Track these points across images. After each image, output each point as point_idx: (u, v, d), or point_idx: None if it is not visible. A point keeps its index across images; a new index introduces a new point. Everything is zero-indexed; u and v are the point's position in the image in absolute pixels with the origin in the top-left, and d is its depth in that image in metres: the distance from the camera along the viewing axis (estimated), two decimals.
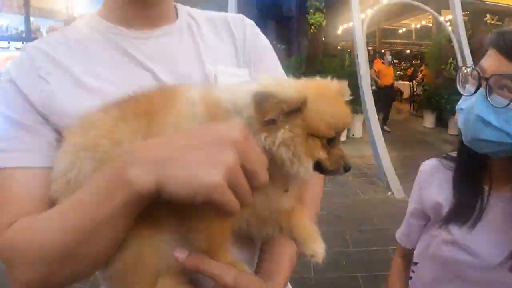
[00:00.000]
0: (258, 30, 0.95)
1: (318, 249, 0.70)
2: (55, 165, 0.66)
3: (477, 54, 6.50)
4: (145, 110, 0.62)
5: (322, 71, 8.55)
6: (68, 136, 0.66)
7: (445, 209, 1.04)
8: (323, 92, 0.61)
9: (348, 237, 3.78)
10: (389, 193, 4.83)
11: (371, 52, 18.44)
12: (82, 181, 0.60)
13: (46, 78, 0.73)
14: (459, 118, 0.95)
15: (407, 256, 1.25)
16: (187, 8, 0.92)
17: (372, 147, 5.54)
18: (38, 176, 0.68)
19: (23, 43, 6.86)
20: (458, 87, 0.97)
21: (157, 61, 0.79)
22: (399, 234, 1.30)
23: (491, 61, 0.90)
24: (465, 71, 0.97)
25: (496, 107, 0.85)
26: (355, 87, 6.56)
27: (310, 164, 0.59)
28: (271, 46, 0.97)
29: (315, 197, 0.89)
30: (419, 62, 19.32)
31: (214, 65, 0.83)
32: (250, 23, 0.94)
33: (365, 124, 6.07)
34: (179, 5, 0.90)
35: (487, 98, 0.86)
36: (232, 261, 0.61)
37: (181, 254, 0.58)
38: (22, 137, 0.70)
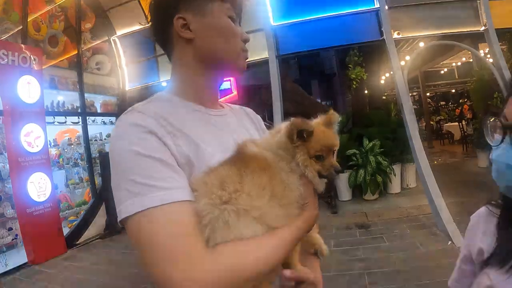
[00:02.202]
0: (258, 116, 1.28)
1: (323, 246, 1.01)
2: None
3: None
4: (259, 167, 0.84)
5: (369, 125, 8.62)
6: (201, 184, 0.82)
7: (487, 255, 1.02)
8: (318, 131, 0.87)
9: None
10: (449, 242, 4.65)
11: (416, 97, 18.31)
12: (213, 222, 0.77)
13: (176, 135, 0.88)
14: (493, 168, 0.95)
15: None
16: None
17: (427, 196, 5.39)
18: (192, 207, 0.80)
19: (78, 117, 7.38)
20: (486, 138, 0.98)
21: (231, 132, 1.03)
22: (451, 280, 1.29)
23: None
24: (490, 121, 0.98)
25: None
26: (403, 136, 6.53)
27: (315, 175, 0.87)
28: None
29: None
30: (466, 100, 18.86)
31: (253, 134, 1.14)
32: (254, 112, 1.28)
33: (418, 173, 5.96)
34: None
35: None
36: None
37: (287, 273, 0.87)
38: (175, 176, 0.82)
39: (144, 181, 0.78)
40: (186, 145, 0.88)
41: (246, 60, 1.07)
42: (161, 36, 1.05)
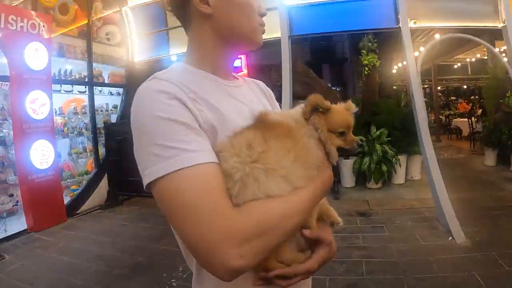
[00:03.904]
0: (269, 89, 1.30)
1: (338, 217, 1.03)
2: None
3: None
4: (285, 131, 0.88)
5: (378, 112, 8.55)
6: (228, 146, 0.85)
7: None
8: (337, 110, 0.95)
9: (406, 285, 3.63)
10: (450, 238, 4.60)
11: (427, 90, 18.14)
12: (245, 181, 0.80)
13: (198, 101, 0.89)
14: None
15: None
16: None
17: (432, 190, 5.33)
18: (219, 169, 0.82)
19: (85, 87, 7.37)
20: None
21: (247, 102, 1.06)
22: None
23: None
24: None
25: None
26: (411, 127, 6.45)
27: (334, 148, 0.93)
28: None
29: None
30: (477, 97, 18.69)
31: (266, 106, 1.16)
32: (265, 85, 1.29)
33: (424, 166, 5.90)
34: None
35: None
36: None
37: (306, 232, 0.91)
38: (200, 139, 0.84)
39: (171, 144, 0.80)
40: (210, 112, 0.90)
41: (263, 33, 1.07)
42: (179, 9, 1.04)
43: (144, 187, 0.83)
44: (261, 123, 0.90)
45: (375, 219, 5.58)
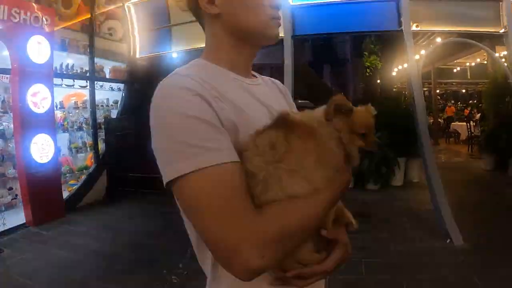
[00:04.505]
0: (287, 88, 1.29)
1: (353, 219, 1.03)
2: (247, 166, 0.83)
3: None
4: (307, 132, 0.87)
5: (377, 115, 8.45)
6: (251, 145, 0.85)
7: None
8: (359, 111, 0.93)
9: (405, 285, 3.66)
10: (448, 240, 4.64)
11: (426, 93, 18.21)
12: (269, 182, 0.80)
13: (220, 99, 0.88)
14: None
15: None
16: None
17: (430, 192, 5.36)
18: (241, 168, 0.81)
19: (86, 82, 7.36)
20: None
21: (265, 100, 1.04)
22: None
23: None
24: None
25: None
26: (411, 130, 6.47)
27: (354, 148, 0.90)
28: None
29: None
30: (475, 101, 18.77)
31: (284, 106, 1.14)
32: (282, 85, 1.28)
33: (423, 168, 5.93)
34: None
35: None
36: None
37: (324, 232, 0.91)
38: (222, 138, 0.83)
39: (194, 142, 0.79)
40: (231, 110, 0.89)
41: (279, 26, 1.04)
42: (193, 11, 1.05)
43: (164, 185, 0.83)
44: (283, 123, 0.89)
45: (374, 221, 5.59)
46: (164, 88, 0.87)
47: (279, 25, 1.03)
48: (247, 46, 1.05)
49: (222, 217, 0.76)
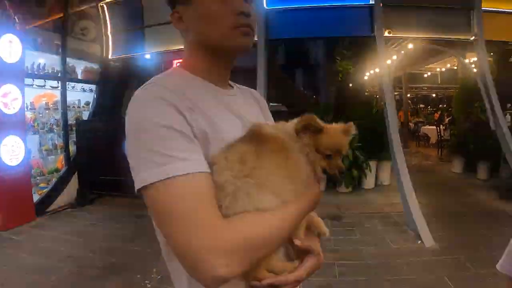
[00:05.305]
0: (263, 98, 1.32)
1: (325, 229, 1.08)
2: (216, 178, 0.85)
3: (504, 95, 6.42)
4: (278, 147, 0.91)
5: (349, 118, 8.58)
6: (221, 159, 0.87)
7: None
8: (331, 131, 0.95)
9: (378, 287, 3.74)
10: (419, 241, 4.76)
11: (397, 97, 18.58)
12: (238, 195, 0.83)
13: (194, 110, 0.90)
14: None
15: None
16: None
17: (401, 195, 5.49)
18: (210, 179, 0.84)
19: (58, 82, 7.17)
20: None
21: (240, 111, 1.06)
22: (500, 265, 1.36)
23: None
24: None
25: None
26: (382, 134, 6.61)
27: (320, 169, 0.95)
28: None
29: None
30: (445, 106, 19.23)
31: (259, 117, 1.17)
32: (259, 94, 1.32)
33: (393, 171, 6.06)
34: None
35: None
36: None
37: (297, 242, 0.95)
38: (193, 148, 0.86)
39: (166, 151, 0.81)
40: (204, 121, 0.91)
41: (247, 34, 1.00)
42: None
43: (136, 191, 0.84)
44: (255, 136, 0.92)
45: (346, 223, 5.68)
46: (140, 97, 0.89)
47: (247, 32, 1.01)
48: (218, 57, 1.05)
49: (189, 225, 0.77)
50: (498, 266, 1.37)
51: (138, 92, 0.91)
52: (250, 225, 0.82)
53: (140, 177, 0.82)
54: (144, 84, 0.93)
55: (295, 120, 0.97)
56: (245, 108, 1.12)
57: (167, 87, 0.90)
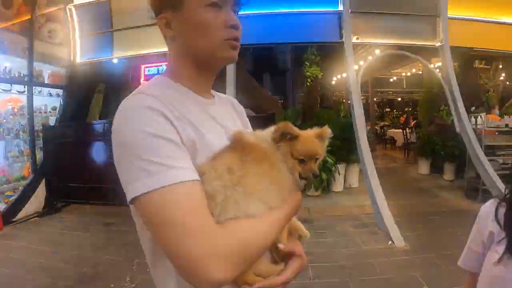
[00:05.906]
0: (241, 106, 1.34)
1: (306, 231, 1.13)
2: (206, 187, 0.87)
3: (468, 99, 6.67)
4: (260, 156, 0.94)
5: (318, 123, 8.67)
6: (209, 169, 0.90)
7: (497, 238, 1.26)
8: (305, 137, 1.00)
9: (352, 287, 3.82)
10: (390, 242, 4.88)
11: (364, 101, 18.95)
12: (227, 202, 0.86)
13: (181, 119, 0.92)
14: None
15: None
16: None
17: (371, 197, 5.62)
18: (201, 186, 0.86)
19: (24, 87, 6.98)
20: None
21: (222, 120, 1.09)
22: (461, 261, 1.47)
23: None
24: None
25: None
26: (350, 137, 6.74)
27: (296, 174, 0.99)
28: None
29: None
30: (411, 109, 19.74)
31: (238, 124, 1.20)
32: (238, 103, 1.33)
33: (363, 174, 6.18)
34: None
35: None
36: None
37: (281, 246, 0.98)
38: (184, 156, 0.87)
39: (158, 160, 0.82)
40: (192, 131, 0.93)
41: (235, 47, 1.03)
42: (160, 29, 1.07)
43: (128, 201, 0.85)
44: (238, 145, 0.96)
45: (317, 226, 5.75)
46: (128, 107, 0.90)
47: (235, 46, 1.03)
48: (204, 67, 1.07)
49: (186, 234, 0.79)
50: (459, 262, 1.48)
51: (124, 103, 0.91)
52: (243, 231, 0.85)
53: (133, 187, 0.82)
54: (130, 94, 0.93)
55: (272, 129, 1.01)
56: (226, 117, 1.15)
57: (156, 96, 0.90)
